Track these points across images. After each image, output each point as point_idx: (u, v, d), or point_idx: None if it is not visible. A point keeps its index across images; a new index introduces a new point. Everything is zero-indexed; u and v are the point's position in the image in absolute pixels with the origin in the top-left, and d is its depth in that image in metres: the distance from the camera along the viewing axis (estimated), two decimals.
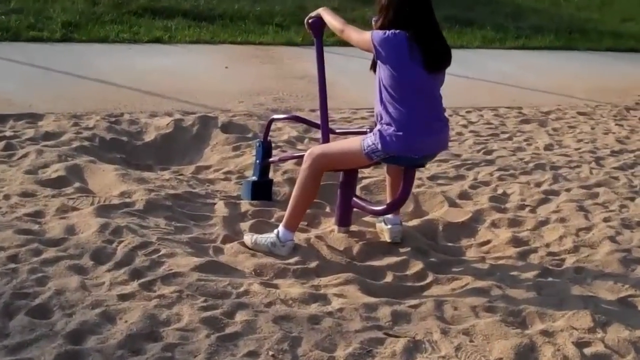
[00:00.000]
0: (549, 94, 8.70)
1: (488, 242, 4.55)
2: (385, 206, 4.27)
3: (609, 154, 6.36)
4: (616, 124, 7.49)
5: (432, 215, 4.89)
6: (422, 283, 3.99)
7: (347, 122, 6.71)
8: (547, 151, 6.35)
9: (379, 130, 3.89)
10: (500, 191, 5.30)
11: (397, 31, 3.78)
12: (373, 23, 3.97)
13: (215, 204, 4.71)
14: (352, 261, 4.14)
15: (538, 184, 5.49)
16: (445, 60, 3.89)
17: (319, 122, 4.45)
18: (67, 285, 3.44)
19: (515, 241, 4.50)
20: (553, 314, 3.60)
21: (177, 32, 9.76)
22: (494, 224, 4.76)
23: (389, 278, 4.02)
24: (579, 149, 6.47)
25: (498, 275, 4.04)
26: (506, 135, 6.83)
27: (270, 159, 4.85)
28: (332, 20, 4.14)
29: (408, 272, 4.09)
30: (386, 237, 4.42)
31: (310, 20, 4.26)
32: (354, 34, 3.98)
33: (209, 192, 4.91)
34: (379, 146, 3.89)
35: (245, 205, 4.70)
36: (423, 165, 4.24)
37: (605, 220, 4.85)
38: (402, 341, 3.28)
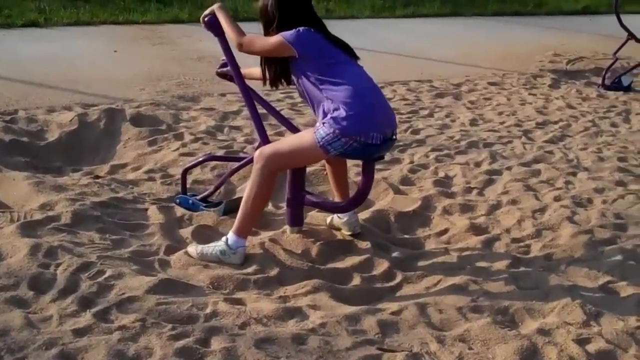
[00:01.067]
0: (454, 65, 8.67)
1: (446, 230, 4.37)
2: (345, 202, 4.01)
3: (535, 126, 6.34)
4: (529, 94, 7.51)
5: (379, 205, 4.67)
6: (392, 283, 3.77)
7: None
8: (473, 127, 6.25)
9: (331, 118, 3.62)
10: (442, 174, 5.15)
11: (303, 27, 3.65)
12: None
13: (146, 209, 4.32)
14: (314, 265, 3.86)
15: (477, 164, 5.37)
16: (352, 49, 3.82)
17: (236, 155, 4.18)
18: (10, 323, 3.00)
19: (474, 228, 4.34)
20: (541, 308, 3.48)
21: (53, 14, 9.10)
22: (446, 211, 4.59)
23: (356, 280, 3.78)
24: (504, 122, 6.41)
25: (469, 269, 3.87)
26: (426, 112, 6.70)
27: (214, 188, 4.47)
28: (227, 28, 3.83)
29: (375, 272, 3.86)
30: (344, 231, 4.20)
31: (206, 19, 3.91)
32: (258, 42, 3.73)
33: (136, 196, 4.50)
34: (337, 133, 3.61)
35: (180, 209, 4.32)
36: (382, 157, 3.99)
37: (556, 199, 4.77)
38: (400, 356, 3.05)
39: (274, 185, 3.85)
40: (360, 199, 3.95)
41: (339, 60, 3.67)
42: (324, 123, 3.67)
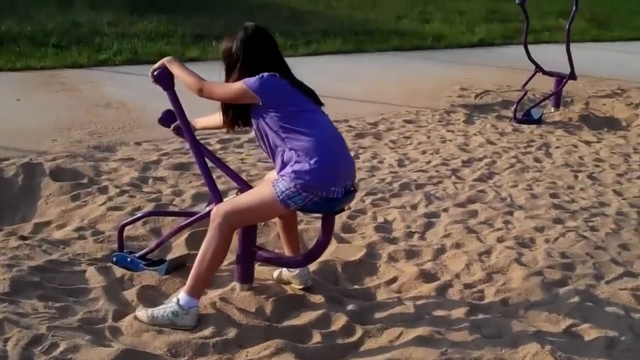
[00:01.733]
0: (367, 103, 8.72)
1: (395, 279, 4.35)
2: (302, 257, 3.93)
3: (461, 165, 6.42)
4: (447, 130, 7.63)
5: (323, 255, 4.58)
6: (353, 338, 3.71)
7: (182, 153, 6.21)
8: (401, 168, 6.29)
9: (292, 171, 3.54)
10: (381, 219, 5.13)
11: (267, 73, 3.58)
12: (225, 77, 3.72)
13: (84, 271, 4.14)
14: (271, 323, 3.76)
15: (414, 207, 5.38)
16: (317, 96, 3.76)
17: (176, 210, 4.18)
18: None
19: (424, 275, 4.34)
20: (512, 358, 3.49)
21: None
22: (392, 258, 4.58)
23: (317, 337, 3.71)
24: (430, 162, 6.47)
25: (428, 319, 3.85)
26: (352, 154, 6.67)
27: (158, 243, 4.29)
28: (184, 76, 3.73)
29: (334, 328, 3.79)
30: (295, 284, 4.11)
31: (155, 73, 3.81)
32: (219, 87, 3.66)
33: (72, 258, 4.29)
34: (297, 187, 3.54)
35: (119, 269, 4.15)
36: (343, 210, 3.94)
37: (500, 240, 4.83)
38: None
39: (230, 244, 3.74)
40: (318, 253, 3.89)
41: (304, 109, 3.60)
42: (282, 176, 3.60)
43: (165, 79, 3.78)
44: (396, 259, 4.57)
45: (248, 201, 3.70)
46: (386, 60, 11.52)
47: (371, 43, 12.49)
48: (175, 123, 3.99)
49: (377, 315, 3.93)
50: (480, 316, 3.91)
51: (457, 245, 4.74)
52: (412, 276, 4.34)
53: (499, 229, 4.99)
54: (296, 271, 4.10)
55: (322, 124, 3.65)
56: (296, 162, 3.55)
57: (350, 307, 3.97)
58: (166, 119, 4.03)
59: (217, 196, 3.87)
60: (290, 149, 3.56)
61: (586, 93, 9.82)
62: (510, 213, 5.30)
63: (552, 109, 8.91)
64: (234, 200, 3.75)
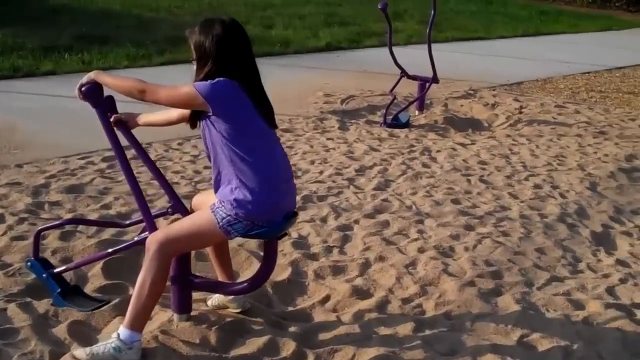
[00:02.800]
0: None
1: (328, 297, 4.22)
2: (247, 284, 3.70)
3: (355, 174, 6.37)
4: (327, 138, 7.56)
5: (248, 276, 4.38)
6: None
7: (69, 175, 5.77)
8: (297, 180, 6.14)
9: (234, 199, 3.32)
10: (295, 234, 4.98)
11: (225, 79, 3.27)
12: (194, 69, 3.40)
13: (5, 309, 3.74)
14: (219, 354, 3.55)
15: (324, 220, 5.26)
16: (273, 115, 3.50)
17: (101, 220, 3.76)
18: None
19: (357, 292, 4.24)
20: None
21: None
22: (318, 275, 4.44)
23: None
24: (323, 172, 6.38)
25: (377, 339, 3.75)
26: None
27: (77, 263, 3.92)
28: (118, 82, 3.41)
29: (284, 354, 3.61)
30: (233, 309, 3.91)
31: (83, 89, 3.46)
32: (163, 91, 3.33)
33: None
34: (239, 216, 3.33)
35: (43, 304, 3.77)
36: (286, 234, 3.76)
37: (420, 250, 4.80)
38: None
39: (168, 274, 3.49)
40: (264, 279, 3.69)
41: (256, 130, 3.32)
42: (222, 202, 3.36)
43: (94, 94, 3.44)
44: (323, 276, 4.44)
45: (187, 228, 3.45)
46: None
47: None
48: (116, 115, 3.61)
49: (322, 337, 3.79)
50: (428, 332, 3.84)
51: (381, 259, 4.66)
52: (345, 294, 4.22)
53: (415, 239, 4.96)
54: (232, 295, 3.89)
55: (274, 157, 3.42)
56: (238, 188, 3.32)
57: (292, 329, 3.81)
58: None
59: (151, 223, 3.58)
60: (235, 174, 3.32)
61: (442, 95, 10.08)
62: (421, 222, 5.29)
63: (417, 113, 9.07)
64: (170, 228, 3.51)
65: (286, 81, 10.34)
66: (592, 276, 4.51)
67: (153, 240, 3.37)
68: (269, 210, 3.38)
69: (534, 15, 22.71)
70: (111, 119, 3.58)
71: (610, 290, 4.32)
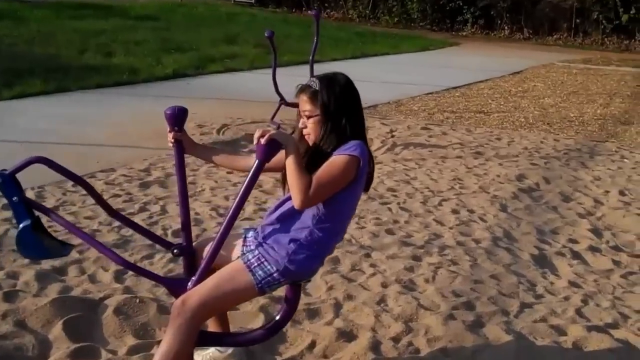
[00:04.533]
0: (119, 148, 8.13)
1: (313, 343, 4.09)
2: (264, 330, 3.48)
3: None
4: (227, 172, 7.36)
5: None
6: None
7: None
8: (220, 218, 5.93)
9: (291, 252, 3.11)
10: None
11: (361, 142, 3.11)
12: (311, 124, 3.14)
13: None
14: None
15: None
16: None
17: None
18: None
19: (341, 335, 4.15)
20: None
21: None
22: (294, 320, 4.29)
23: None
24: (244, 209, 6.17)
25: None
26: (138, 205, 6.17)
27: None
28: (298, 169, 2.96)
29: None
30: None
31: (269, 142, 2.94)
32: (332, 171, 3.01)
33: None
34: (286, 271, 3.14)
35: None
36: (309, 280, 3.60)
37: (384, 285, 4.78)
38: None
39: (195, 341, 3.21)
40: (283, 324, 3.50)
41: (355, 201, 3.18)
42: (264, 256, 3.13)
43: (270, 151, 2.99)
44: (299, 321, 4.30)
45: (221, 291, 3.15)
46: (100, 98, 10.86)
47: (73, 81, 11.64)
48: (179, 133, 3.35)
49: None
50: None
51: (350, 297, 4.59)
52: (330, 338, 4.12)
53: (373, 274, 4.92)
54: (229, 350, 3.67)
55: (349, 212, 3.23)
56: (301, 245, 3.11)
57: None
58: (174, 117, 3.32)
59: (203, 275, 3.26)
60: (310, 231, 3.10)
61: None
62: (369, 255, 5.26)
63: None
64: (202, 291, 3.17)
65: (149, 112, 10.00)
66: (555, 300, 4.65)
67: (184, 306, 3.09)
68: (311, 271, 3.21)
69: (353, 37, 23.35)
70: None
71: (579, 313, 4.47)
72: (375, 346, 4.02)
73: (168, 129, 3.37)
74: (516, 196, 6.88)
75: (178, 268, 4.84)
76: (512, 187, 7.15)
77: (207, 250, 3.22)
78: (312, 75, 8.35)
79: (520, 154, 8.72)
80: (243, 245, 3.34)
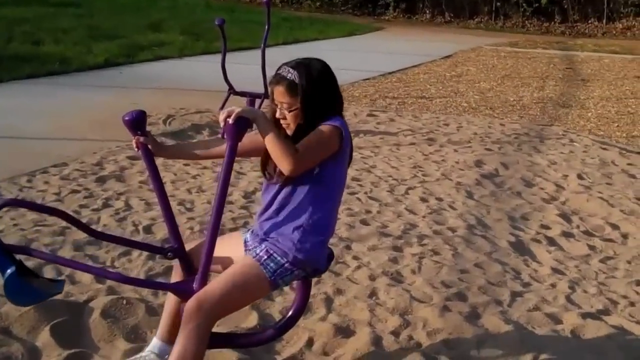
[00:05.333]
0: (64, 141, 7.87)
1: (311, 341, 4.03)
2: (274, 329, 3.41)
3: (246, 202, 6.12)
4: (183, 164, 7.19)
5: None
6: None
7: None
8: (189, 212, 5.79)
9: (298, 240, 3.09)
10: None
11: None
12: (289, 112, 3.09)
13: None
14: None
15: None
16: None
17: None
18: None
19: (339, 331, 4.10)
20: None
21: None
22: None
23: None
24: (211, 201, 6.06)
25: None
26: (101, 202, 5.98)
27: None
28: (275, 137, 2.96)
29: None
30: None
31: (237, 120, 2.90)
32: (318, 136, 3.04)
33: None
34: (296, 260, 3.10)
35: None
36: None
37: (371, 278, 4.73)
38: None
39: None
40: (294, 321, 3.43)
41: (344, 174, 3.19)
42: (272, 250, 3.08)
43: (239, 131, 2.96)
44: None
45: (232, 288, 3.08)
46: (34, 89, 10.50)
47: (3, 72, 11.22)
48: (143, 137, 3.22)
49: None
50: None
51: (340, 292, 4.53)
52: (327, 334, 4.06)
53: (358, 267, 4.88)
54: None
55: (341, 188, 3.20)
56: (306, 230, 3.10)
57: None
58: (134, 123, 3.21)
59: (204, 277, 3.15)
60: (310, 215, 3.09)
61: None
62: (349, 247, 5.20)
63: (249, 130, 8.84)
64: (213, 290, 3.07)
65: (87, 103, 9.72)
66: (542, 288, 4.69)
67: (200, 307, 3.00)
68: (324, 259, 3.16)
69: (280, 22, 23.18)
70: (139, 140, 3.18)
71: (570, 300, 4.52)
72: (376, 341, 3.97)
73: (131, 135, 3.25)
74: (479, 182, 6.92)
75: (157, 266, 4.71)
76: (474, 174, 7.19)
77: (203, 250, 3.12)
78: (263, 64, 8.24)
79: (472, 139, 8.79)
80: (246, 250, 3.25)
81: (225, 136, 3.01)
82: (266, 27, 8.40)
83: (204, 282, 3.11)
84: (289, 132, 3.10)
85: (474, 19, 29.32)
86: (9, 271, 2.79)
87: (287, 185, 3.11)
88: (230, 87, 8.65)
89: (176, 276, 3.40)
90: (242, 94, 8.76)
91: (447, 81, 13.90)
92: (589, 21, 28.09)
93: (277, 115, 3.10)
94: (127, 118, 3.25)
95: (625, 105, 12.08)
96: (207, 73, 11.71)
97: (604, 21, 27.86)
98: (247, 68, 10.02)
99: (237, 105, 3.03)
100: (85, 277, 4.52)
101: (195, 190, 6.33)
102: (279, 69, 3.12)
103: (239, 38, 18.11)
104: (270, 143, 2.92)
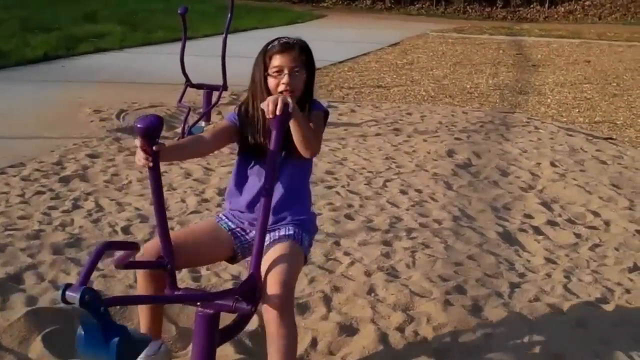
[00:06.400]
0: (20, 140, 7.71)
1: (315, 340, 4.04)
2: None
3: (221, 199, 6.10)
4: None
5: None
6: None
7: None
8: (169, 212, 5.74)
9: (310, 222, 3.43)
10: (227, 275, 4.68)
11: None
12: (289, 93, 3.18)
13: None
14: None
15: None
16: None
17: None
18: None
19: (342, 329, 4.13)
20: None
21: None
22: None
23: None
24: (184, 200, 6.03)
25: None
26: (71, 203, 5.91)
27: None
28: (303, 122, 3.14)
29: None
30: None
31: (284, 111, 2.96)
32: (320, 121, 3.35)
33: None
34: (314, 234, 3.53)
35: None
36: None
37: (367, 274, 4.77)
38: None
39: None
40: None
41: None
42: (299, 229, 3.30)
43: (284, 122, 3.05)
44: None
45: (294, 271, 3.19)
46: None
47: None
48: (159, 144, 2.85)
49: None
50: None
51: (337, 289, 4.56)
52: (331, 333, 4.08)
53: (351, 263, 4.90)
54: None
55: None
56: (305, 205, 3.44)
57: None
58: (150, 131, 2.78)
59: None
60: (305, 188, 3.44)
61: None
62: (338, 243, 5.24)
63: (203, 124, 8.80)
64: (282, 278, 3.06)
65: (33, 99, 9.56)
66: (538, 278, 4.80)
67: (282, 300, 3.03)
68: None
69: (218, 11, 23.04)
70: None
71: (567, 289, 4.63)
72: (382, 338, 4.00)
73: (140, 145, 2.82)
74: (455, 173, 7.03)
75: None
76: (448, 164, 7.29)
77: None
78: (224, 55, 8.21)
79: (439, 128, 8.91)
80: (236, 239, 3.40)
81: (272, 126, 3.02)
82: (228, 16, 8.34)
83: (259, 265, 3.11)
84: (293, 100, 3.12)
85: (415, 5, 29.67)
86: (119, 338, 2.62)
87: (285, 167, 3.27)
88: (187, 80, 8.60)
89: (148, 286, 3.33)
90: (200, 86, 8.73)
91: (399, 69, 14.04)
92: (531, 5, 28.65)
93: (284, 81, 3.19)
94: (141, 125, 2.77)
95: (581, 90, 12.37)
96: (151, 65, 11.62)
97: (547, 5, 28.44)
98: (210, 60, 9.92)
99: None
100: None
101: (166, 188, 6.27)
102: (279, 39, 3.26)
103: (180, 28, 17.95)
104: (305, 126, 3.08)
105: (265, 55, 3.24)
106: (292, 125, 3.06)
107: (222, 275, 4.60)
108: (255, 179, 3.32)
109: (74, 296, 2.56)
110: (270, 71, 3.22)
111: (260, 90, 3.25)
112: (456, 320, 4.17)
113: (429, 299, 4.42)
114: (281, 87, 3.20)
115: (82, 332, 2.67)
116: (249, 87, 3.35)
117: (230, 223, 3.43)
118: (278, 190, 3.27)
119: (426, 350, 3.88)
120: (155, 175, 2.95)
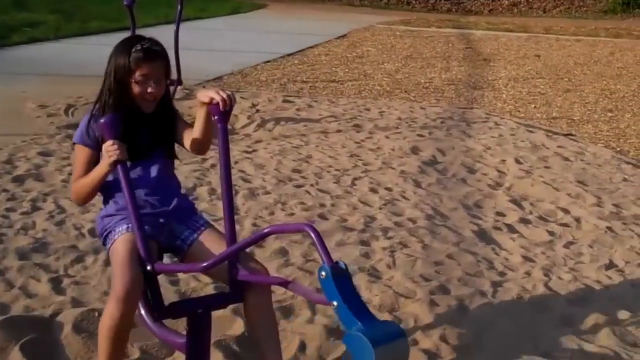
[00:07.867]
0: None
1: (303, 344, 4.15)
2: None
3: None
4: None
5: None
6: None
7: None
8: None
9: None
10: (207, 278, 4.73)
11: None
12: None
13: None
14: None
15: None
16: None
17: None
18: None
19: (330, 332, 4.24)
20: None
21: None
22: None
23: None
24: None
25: None
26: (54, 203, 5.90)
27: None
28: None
29: None
30: None
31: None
32: None
33: None
34: None
35: None
36: None
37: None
38: None
39: None
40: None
41: None
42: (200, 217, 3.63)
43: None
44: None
45: None
46: None
47: None
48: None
49: None
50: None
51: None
52: (320, 337, 4.18)
53: None
54: None
55: None
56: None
57: None
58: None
59: None
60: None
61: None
62: (315, 243, 5.30)
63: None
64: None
65: None
66: (518, 276, 4.97)
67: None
68: None
69: (155, 0, 22.85)
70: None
71: (549, 288, 4.82)
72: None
73: (108, 141, 3.24)
74: (423, 170, 7.18)
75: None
76: (414, 161, 7.45)
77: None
78: (177, 48, 8.21)
79: (399, 125, 9.06)
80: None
81: (218, 119, 3.17)
82: (178, 7, 8.33)
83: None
84: (152, 107, 3.37)
85: None
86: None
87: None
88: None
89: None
90: None
91: (350, 63, 14.17)
92: None
93: (150, 90, 3.30)
94: (106, 120, 3.24)
95: (534, 85, 12.68)
96: (91, 57, 11.45)
97: None
98: None
99: None
100: (43, 289, 4.48)
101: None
102: (142, 43, 3.33)
103: (115, 17, 17.79)
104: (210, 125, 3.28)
105: (129, 60, 3.28)
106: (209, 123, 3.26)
107: (201, 279, 4.64)
108: (142, 173, 3.47)
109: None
110: (136, 78, 3.30)
111: (124, 95, 3.33)
112: (444, 321, 4.32)
113: (413, 299, 4.55)
114: (148, 96, 3.33)
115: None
116: (106, 93, 3.37)
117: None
118: (167, 181, 3.50)
119: (416, 351, 4.00)
120: (127, 170, 3.27)
